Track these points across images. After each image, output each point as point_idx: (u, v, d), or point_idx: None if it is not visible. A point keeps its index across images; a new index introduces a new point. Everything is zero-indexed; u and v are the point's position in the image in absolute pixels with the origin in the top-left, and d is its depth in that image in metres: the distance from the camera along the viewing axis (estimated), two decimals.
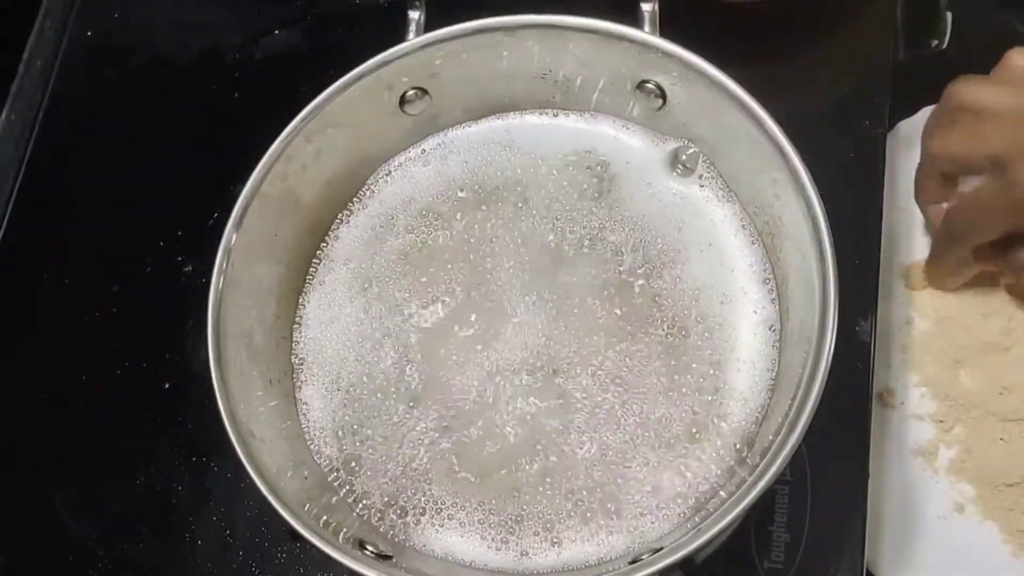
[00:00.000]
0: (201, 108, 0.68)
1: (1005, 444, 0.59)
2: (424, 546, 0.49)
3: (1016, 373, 0.60)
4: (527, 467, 0.49)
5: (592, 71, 0.53)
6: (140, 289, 0.64)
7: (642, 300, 0.52)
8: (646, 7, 0.51)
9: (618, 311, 0.51)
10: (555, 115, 0.56)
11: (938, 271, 0.61)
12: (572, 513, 0.49)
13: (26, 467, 0.61)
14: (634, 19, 0.51)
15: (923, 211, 0.62)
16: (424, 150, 0.56)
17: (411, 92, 0.53)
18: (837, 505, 0.55)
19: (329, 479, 0.50)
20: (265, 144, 0.50)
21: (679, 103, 0.52)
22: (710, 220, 0.53)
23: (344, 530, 0.48)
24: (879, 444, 0.59)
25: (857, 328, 0.57)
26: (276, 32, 0.69)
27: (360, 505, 0.50)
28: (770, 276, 0.51)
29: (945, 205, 0.59)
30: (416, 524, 0.49)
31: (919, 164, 0.60)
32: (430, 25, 0.52)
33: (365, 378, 0.52)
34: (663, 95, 0.52)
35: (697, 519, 0.47)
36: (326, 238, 0.55)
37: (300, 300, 0.54)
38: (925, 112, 0.65)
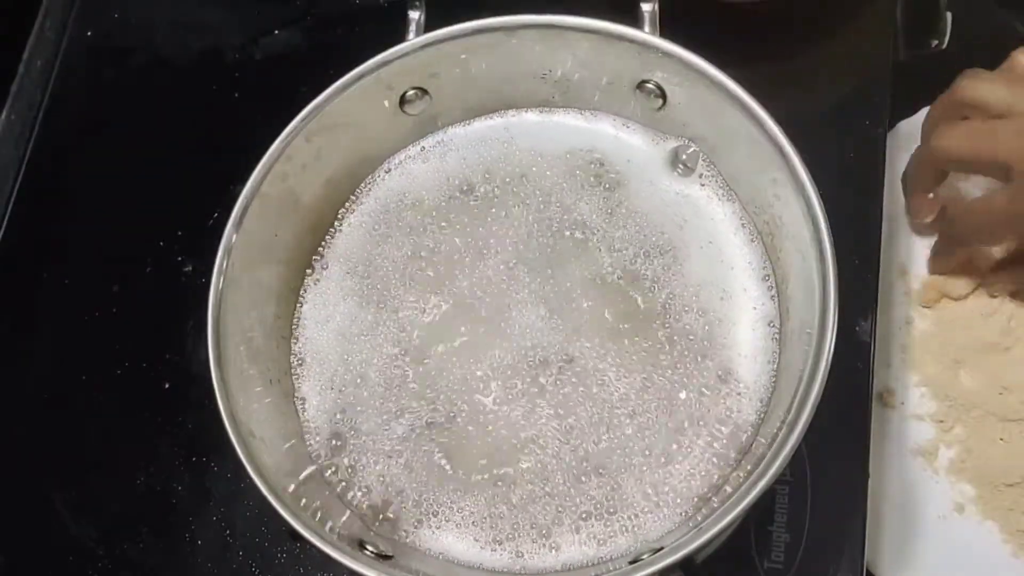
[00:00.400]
0: (201, 108, 0.68)
1: (1005, 444, 0.59)
2: (424, 546, 0.49)
3: (1016, 373, 0.60)
4: (527, 467, 0.49)
5: (592, 71, 0.53)
6: (140, 289, 0.64)
7: (642, 298, 0.52)
8: (646, 7, 0.51)
9: (618, 309, 0.51)
10: (555, 114, 0.56)
11: (941, 268, 0.61)
12: (571, 512, 0.49)
13: (26, 467, 0.61)
14: (634, 19, 0.51)
15: (907, 197, 0.61)
16: (423, 148, 0.56)
17: (411, 92, 0.53)
18: (837, 505, 0.55)
19: (329, 479, 0.50)
20: (265, 144, 0.50)
21: (679, 103, 0.52)
22: (710, 219, 0.53)
23: (344, 530, 0.48)
24: (879, 444, 0.59)
25: (857, 328, 0.57)
26: (276, 32, 0.69)
27: (360, 505, 0.50)
28: (770, 274, 0.51)
29: (931, 195, 0.59)
30: (416, 524, 0.49)
31: (915, 152, 0.60)
32: (430, 25, 0.52)
33: (364, 377, 0.52)
34: (663, 95, 0.52)
35: (697, 519, 0.47)
36: (325, 237, 0.55)
37: (300, 300, 0.54)
38: (925, 112, 0.65)
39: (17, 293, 0.65)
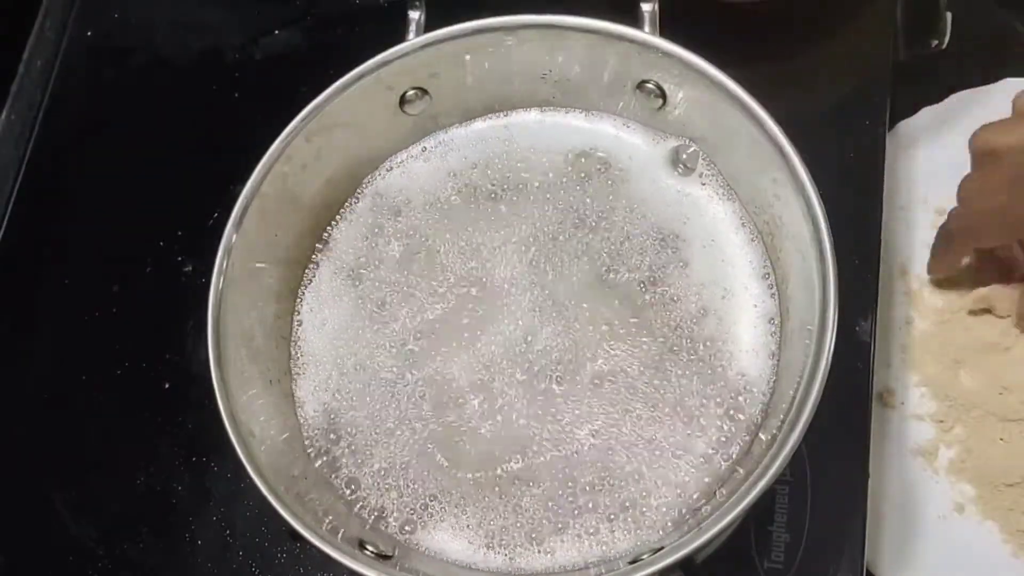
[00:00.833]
0: (201, 108, 0.68)
1: (1005, 444, 0.59)
2: (423, 546, 0.49)
3: (1016, 373, 0.60)
4: (526, 466, 0.49)
5: (592, 71, 0.53)
6: (140, 289, 0.64)
7: (644, 297, 0.52)
8: (646, 7, 0.51)
9: (619, 308, 0.51)
10: (555, 114, 0.56)
11: (940, 268, 0.61)
12: (571, 512, 0.49)
13: (26, 467, 0.61)
14: (634, 19, 0.51)
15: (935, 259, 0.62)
16: (424, 148, 0.56)
17: (411, 92, 0.53)
18: (837, 505, 0.55)
19: (328, 479, 0.50)
20: (265, 144, 0.50)
21: (679, 103, 0.52)
22: (711, 218, 0.53)
23: (344, 530, 0.47)
24: (879, 444, 0.59)
25: (857, 328, 0.57)
26: (276, 32, 0.69)
27: (359, 505, 0.50)
28: (770, 272, 0.51)
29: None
30: (415, 524, 0.49)
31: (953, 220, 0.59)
32: (430, 25, 0.52)
33: (364, 377, 0.52)
34: (663, 95, 0.52)
35: (697, 519, 0.47)
36: (325, 237, 0.55)
37: (299, 300, 0.54)
38: (925, 112, 0.66)
39: (17, 293, 0.65)
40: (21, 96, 0.70)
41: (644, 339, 0.51)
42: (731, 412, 0.49)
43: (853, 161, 0.61)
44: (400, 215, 0.55)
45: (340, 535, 0.47)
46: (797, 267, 0.49)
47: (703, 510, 0.48)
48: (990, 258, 0.61)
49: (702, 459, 0.49)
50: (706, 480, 0.48)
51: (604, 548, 0.48)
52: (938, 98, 0.66)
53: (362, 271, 0.54)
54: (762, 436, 0.48)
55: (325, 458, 0.51)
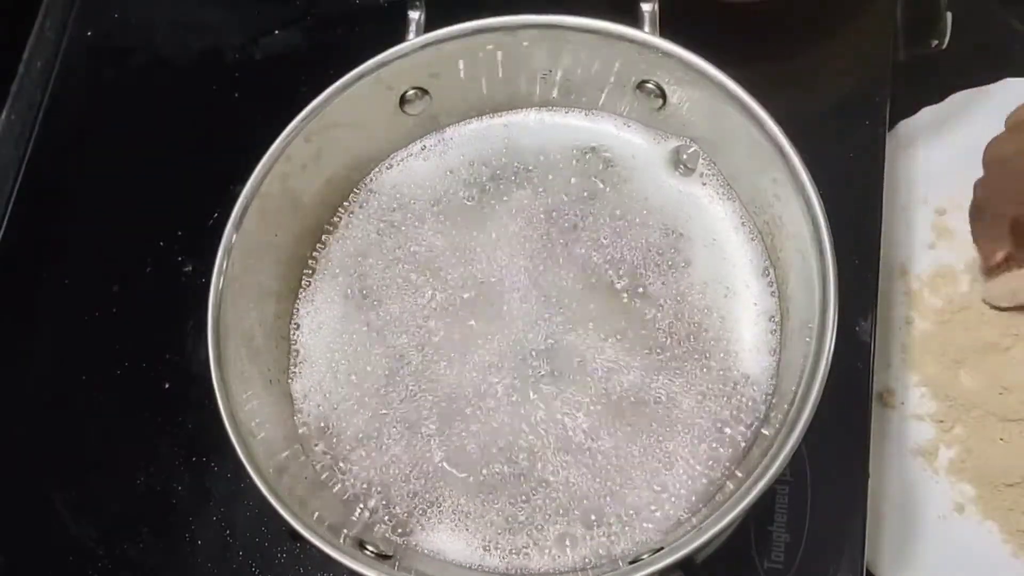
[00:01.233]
0: (201, 108, 0.68)
1: (1005, 444, 0.59)
2: (423, 546, 0.49)
3: (1016, 373, 0.60)
4: (526, 466, 0.49)
5: (592, 71, 0.53)
6: (140, 289, 0.64)
7: (646, 296, 0.52)
8: (646, 7, 0.51)
9: (620, 308, 0.51)
10: (556, 114, 0.56)
11: (987, 248, 0.60)
12: (571, 512, 0.49)
13: (26, 467, 0.61)
14: (634, 19, 0.51)
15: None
16: (424, 146, 0.56)
17: (411, 92, 0.53)
18: (837, 505, 0.55)
19: (328, 479, 0.50)
20: (265, 144, 0.50)
21: (679, 103, 0.52)
22: (712, 217, 0.53)
23: (344, 530, 0.48)
24: (879, 444, 0.59)
25: (857, 328, 0.57)
26: (276, 32, 0.69)
27: (359, 505, 0.50)
28: (770, 268, 0.51)
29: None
30: (415, 524, 0.49)
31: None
32: (430, 25, 0.52)
33: (364, 377, 0.52)
34: (663, 95, 0.52)
35: (697, 519, 0.47)
36: (325, 237, 0.55)
37: (299, 299, 0.54)
38: (925, 112, 0.66)
39: (17, 293, 0.65)
40: (21, 96, 0.70)
41: (646, 338, 0.51)
42: (732, 411, 0.49)
43: (853, 161, 0.61)
44: (399, 214, 0.55)
45: (340, 535, 0.47)
46: (797, 267, 0.49)
47: (703, 510, 0.48)
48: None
49: (703, 458, 0.49)
50: (706, 480, 0.48)
51: (604, 548, 0.48)
52: (938, 98, 0.66)
53: (361, 271, 0.54)
54: (763, 435, 0.48)
55: (325, 458, 0.51)
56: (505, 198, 0.54)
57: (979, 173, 0.58)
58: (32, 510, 0.60)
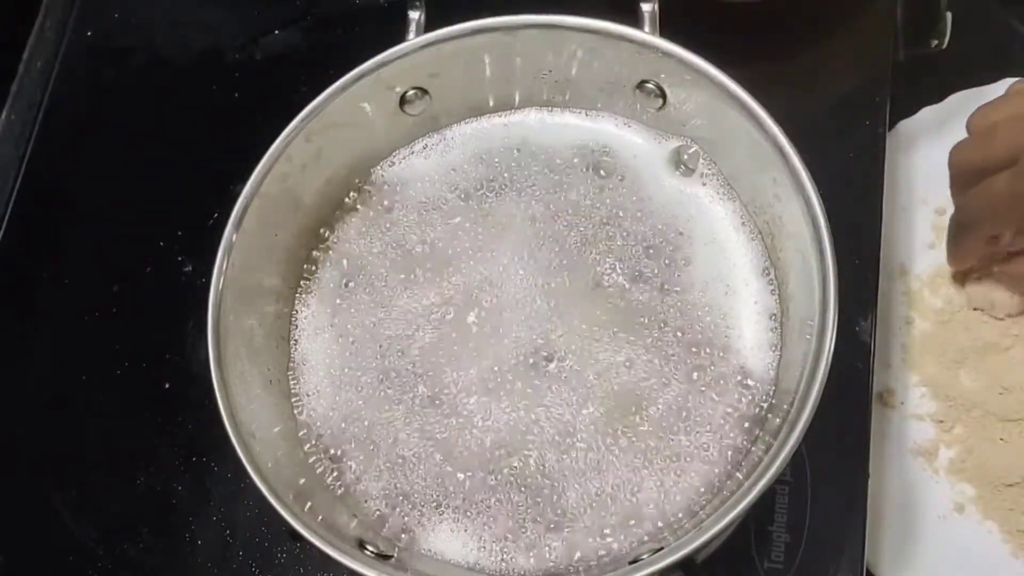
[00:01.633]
0: (201, 108, 0.68)
1: (1005, 444, 0.59)
2: (423, 546, 0.49)
3: (1016, 373, 0.60)
4: (527, 467, 0.49)
5: (592, 71, 0.53)
6: (140, 289, 0.64)
7: (647, 295, 0.51)
8: (646, 7, 0.51)
9: (620, 306, 0.51)
10: (556, 114, 0.56)
11: (957, 259, 0.61)
12: (571, 513, 0.49)
13: (26, 467, 0.61)
14: (634, 19, 0.51)
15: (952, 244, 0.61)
16: (425, 145, 0.56)
17: (411, 92, 0.53)
18: (837, 505, 0.55)
19: (328, 479, 0.50)
20: (265, 144, 0.50)
21: (679, 103, 0.52)
22: (713, 217, 0.53)
23: (344, 530, 0.48)
24: (879, 444, 0.59)
25: (857, 328, 0.57)
26: (276, 32, 0.69)
27: (359, 505, 0.50)
28: (770, 268, 0.51)
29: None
30: (415, 524, 0.49)
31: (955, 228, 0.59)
32: (430, 25, 0.52)
33: (364, 377, 0.52)
34: (663, 95, 0.52)
35: (697, 519, 0.47)
36: (325, 237, 0.55)
37: (299, 299, 0.54)
38: (925, 112, 0.66)
39: (17, 293, 0.65)
40: (21, 96, 0.70)
41: (647, 338, 0.51)
42: (733, 411, 0.49)
43: (853, 161, 0.61)
44: (400, 213, 0.55)
45: (340, 535, 0.47)
46: (797, 267, 0.49)
47: (703, 510, 0.48)
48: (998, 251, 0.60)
49: (703, 457, 0.49)
50: (707, 479, 0.48)
51: (604, 548, 0.48)
52: (938, 98, 0.66)
53: (361, 270, 0.54)
54: (763, 435, 0.48)
55: (325, 458, 0.51)
56: (505, 198, 0.54)
57: None
58: (32, 510, 0.60)
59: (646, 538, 0.48)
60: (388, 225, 0.55)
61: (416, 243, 0.54)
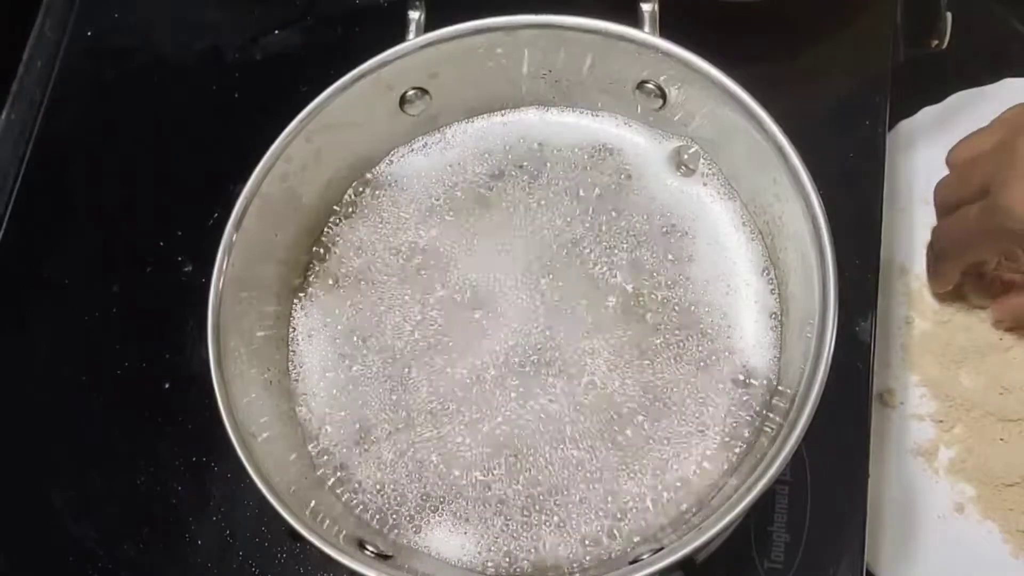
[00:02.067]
0: (201, 108, 0.68)
1: (1005, 444, 0.59)
2: (423, 546, 0.49)
3: (1016, 373, 0.60)
4: (525, 468, 0.49)
5: (592, 71, 0.53)
6: (140, 289, 0.64)
7: (648, 295, 0.51)
8: (646, 7, 0.51)
9: (620, 306, 0.51)
10: (556, 114, 0.56)
11: (936, 284, 0.62)
12: (571, 513, 0.49)
13: (26, 467, 0.61)
14: (634, 19, 0.51)
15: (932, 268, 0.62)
16: (425, 144, 0.56)
17: (411, 92, 0.53)
18: (837, 505, 0.55)
19: (328, 479, 0.50)
20: (265, 144, 0.50)
21: (679, 103, 0.52)
22: (713, 217, 0.53)
23: (344, 530, 0.48)
24: (879, 444, 0.59)
25: (857, 328, 0.57)
26: (276, 32, 0.69)
27: (359, 505, 0.50)
28: (770, 268, 0.51)
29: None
30: (415, 525, 0.49)
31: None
32: (430, 25, 0.52)
33: (363, 377, 0.52)
34: (663, 95, 0.52)
35: (697, 519, 0.47)
36: (325, 237, 0.55)
37: (299, 299, 0.54)
38: (925, 112, 0.66)
39: (17, 293, 0.65)
40: (21, 96, 0.70)
41: (646, 337, 0.51)
42: (733, 409, 0.49)
43: (853, 161, 0.61)
44: (400, 212, 0.55)
45: (340, 535, 0.47)
46: (797, 266, 0.49)
47: (703, 510, 0.48)
48: (978, 277, 0.61)
49: (703, 457, 0.49)
50: (707, 479, 0.48)
51: (604, 548, 0.48)
52: (938, 98, 0.66)
53: (361, 270, 0.54)
54: (763, 435, 0.48)
55: (325, 458, 0.51)
56: (505, 197, 0.54)
57: None
58: (32, 510, 0.60)
59: (646, 538, 0.48)
60: (388, 224, 0.55)
61: (416, 242, 0.54)
